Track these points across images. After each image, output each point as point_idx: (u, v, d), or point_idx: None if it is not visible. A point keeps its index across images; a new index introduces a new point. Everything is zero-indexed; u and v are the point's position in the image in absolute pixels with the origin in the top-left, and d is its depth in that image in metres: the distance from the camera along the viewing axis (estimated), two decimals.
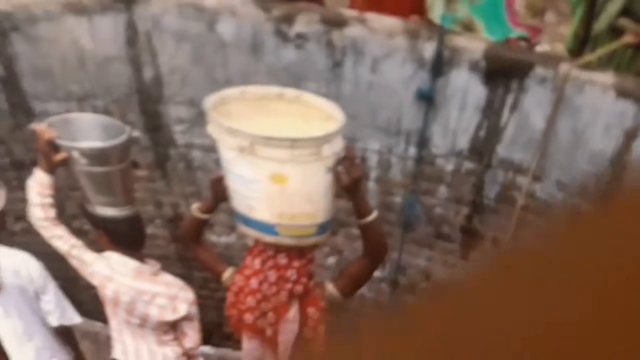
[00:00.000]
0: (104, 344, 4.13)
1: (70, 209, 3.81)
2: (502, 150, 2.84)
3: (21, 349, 2.51)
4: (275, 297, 1.94)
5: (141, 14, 2.83)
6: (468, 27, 2.45)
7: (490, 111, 2.74)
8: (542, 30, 2.48)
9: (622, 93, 2.54)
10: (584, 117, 2.63)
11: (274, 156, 1.66)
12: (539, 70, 2.56)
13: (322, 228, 1.87)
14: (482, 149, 2.87)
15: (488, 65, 2.59)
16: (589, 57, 2.42)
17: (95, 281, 2.32)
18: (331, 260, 3.57)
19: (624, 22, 2.34)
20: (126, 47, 2.94)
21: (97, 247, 3.26)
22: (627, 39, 2.33)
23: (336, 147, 1.72)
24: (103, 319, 3.11)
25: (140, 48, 2.93)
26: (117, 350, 2.50)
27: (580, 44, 2.55)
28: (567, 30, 2.67)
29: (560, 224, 0.27)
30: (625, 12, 2.33)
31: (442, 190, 3.07)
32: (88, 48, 2.99)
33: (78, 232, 3.73)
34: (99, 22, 2.88)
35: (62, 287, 3.65)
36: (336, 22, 2.62)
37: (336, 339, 0.30)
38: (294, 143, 1.64)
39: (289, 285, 1.92)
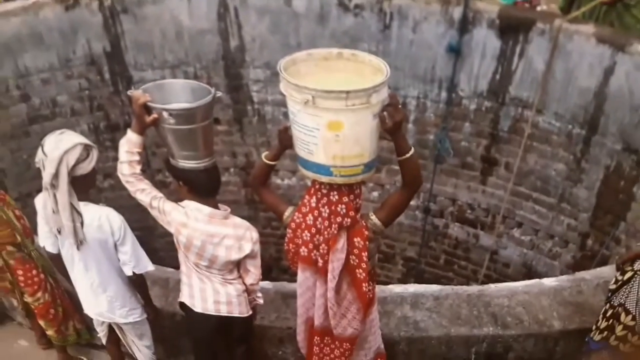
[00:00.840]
0: (172, 289, 4.31)
1: (154, 164, 4.53)
2: (513, 89, 3.71)
3: (95, 299, 2.66)
4: (327, 230, 2.12)
5: None
6: None
7: (504, 59, 3.61)
8: None
9: (600, 40, 3.43)
10: (573, 59, 3.52)
11: (332, 106, 1.84)
12: (539, 25, 3.44)
13: (368, 167, 2.04)
14: (497, 89, 3.73)
15: (501, 22, 3.47)
16: (575, 13, 3.32)
17: (171, 229, 2.44)
18: (375, 194, 4.39)
19: None
20: (217, 21, 3.75)
21: (175, 198, 3.73)
22: None
23: (382, 95, 1.88)
24: (173, 265, 2.99)
25: (229, 21, 3.74)
26: (184, 294, 2.62)
27: (569, 4, 3.45)
28: None
29: None
30: None
31: (467, 126, 3.93)
32: (185, 24, 3.79)
33: (160, 185, 4.43)
34: (196, 2, 3.69)
35: (140, 237, 4.25)
36: None
37: None
38: (348, 94, 1.81)
39: (339, 219, 2.10)
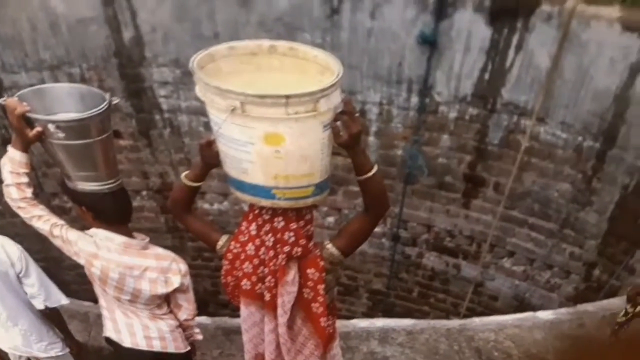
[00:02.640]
0: (94, 323, 3.99)
1: (48, 187, 3.57)
2: (506, 92, 2.78)
3: (7, 333, 2.46)
4: (273, 261, 1.86)
5: None
6: None
7: (495, 52, 2.65)
8: None
9: (627, 26, 2.49)
10: (589, 52, 2.58)
11: (268, 115, 1.54)
12: (545, 7, 2.48)
13: (320, 188, 1.76)
14: (486, 92, 2.79)
15: (493, 4, 2.49)
16: None
17: (80, 260, 2.20)
18: (330, 219, 3.48)
19: None
20: (102, 6, 2.69)
21: (80, 225, 3.06)
22: None
23: (334, 101, 1.58)
24: (91, 298, 2.97)
25: (118, 7, 2.68)
26: (108, 328, 2.38)
27: None
28: None
29: None
30: None
31: (445, 139, 3.00)
32: (60, 11, 2.72)
33: (59, 211, 3.52)
34: None
35: (46, 269, 3.45)
36: None
37: None
38: (288, 100, 1.52)
39: (287, 248, 1.84)
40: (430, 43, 2.65)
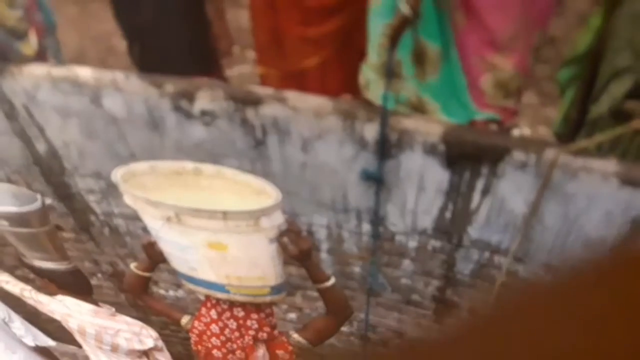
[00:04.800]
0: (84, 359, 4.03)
1: (8, 261, 3.46)
2: (474, 232, 2.28)
3: (9, 358, 2.63)
4: (240, 339, 1.91)
5: (12, 88, 2.22)
6: (418, 108, 1.80)
7: (457, 194, 2.15)
8: (518, 112, 1.81)
9: (628, 181, 1.91)
10: (577, 204, 2.03)
11: (206, 226, 1.57)
12: (518, 155, 1.93)
13: (276, 289, 1.82)
14: (450, 229, 2.31)
15: (448, 149, 1.97)
16: (584, 142, 1.76)
17: (56, 316, 2.36)
18: (292, 315, 3.18)
19: (633, 105, 1.66)
20: (7, 121, 2.37)
21: (47, 293, 2.96)
22: (638, 124, 1.65)
23: (276, 220, 1.64)
24: (76, 344, 2.95)
25: (23, 122, 2.36)
26: None
27: (573, 128, 1.87)
28: (553, 112, 1.97)
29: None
30: (634, 94, 1.64)
31: (407, 264, 2.56)
32: None
33: (24, 280, 3.41)
34: None
35: (26, 319, 3.42)
36: (247, 100, 2.00)
37: None
38: (225, 215, 1.54)
39: (251, 332, 1.90)
40: (375, 180, 2.17)
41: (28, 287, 2.50)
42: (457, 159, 1.98)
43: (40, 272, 2.47)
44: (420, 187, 2.14)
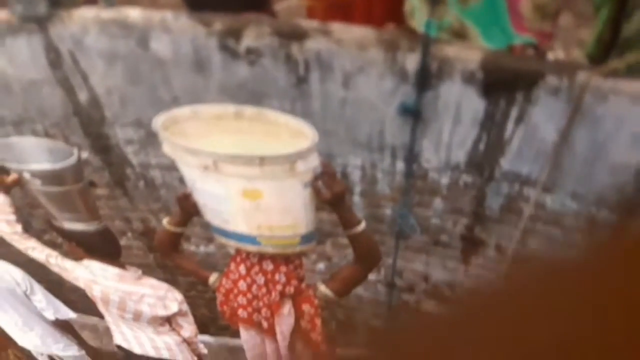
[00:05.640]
0: (104, 333, 4.06)
1: (37, 224, 3.51)
2: (506, 163, 2.40)
3: (26, 336, 2.62)
4: (266, 296, 1.87)
5: (59, 34, 2.29)
6: (460, 35, 1.91)
7: (491, 124, 2.26)
8: (554, 35, 1.93)
9: None
10: (605, 128, 2.16)
11: (244, 173, 1.55)
12: (551, 80, 2.05)
13: (306, 238, 1.77)
14: (482, 162, 2.42)
15: (486, 76, 2.08)
16: (615, 62, 1.89)
17: (80, 284, 2.30)
18: (320, 265, 3.27)
19: None
20: (51, 69, 2.43)
21: (73, 258, 3.01)
22: None
23: (311, 163, 1.60)
24: (98, 314, 2.99)
25: (67, 70, 2.42)
26: (117, 338, 2.50)
27: (605, 50, 1.99)
28: (588, 34, 2.09)
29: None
30: None
31: (438, 202, 2.67)
32: (10, 72, 2.49)
33: (51, 244, 3.49)
34: (12, 45, 2.36)
35: (49, 289, 3.47)
36: (293, 35, 2.09)
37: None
38: (263, 160, 1.51)
39: (279, 287, 1.86)
40: (413, 113, 2.28)
41: (54, 253, 2.43)
42: (494, 86, 2.09)
43: (69, 235, 2.40)
44: (457, 118, 2.25)
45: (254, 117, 1.86)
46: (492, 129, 2.27)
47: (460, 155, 2.41)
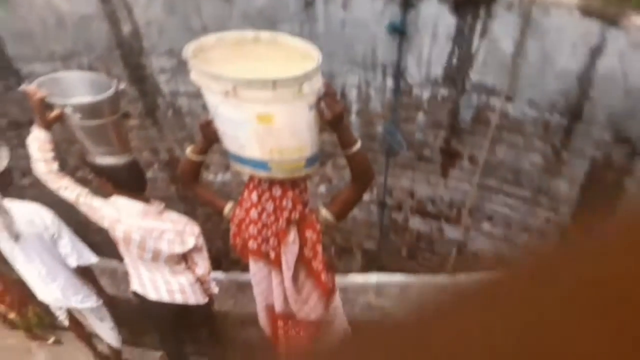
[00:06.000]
0: (122, 279, 4.42)
1: (72, 161, 3.96)
2: (475, 75, 2.95)
3: (47, 288, 2.68)
4: (274, 224, 2.03)
5: None
6: None
7: (461, 39, 2.82)
8: None
9: (586, 12, 2.61)
10: (550, 38, 2.72)
11: (258, 97, 1.71)
12: None
13: (311, 161, 1.94)
14: (455, 75, 2.98)
15: None
16: None
17: (105, 224, 2.41)
18: (322, 188, 3.78)
19: None
20: (101, 4, 2.96)
21: (102, 194, 3.45)
22: None
23: (316, 84, 1.76)
24: (118, 257, 3.32)
25: (115, 4, 2.95)
26: (134, 283, 2.62)
27: None
28: None
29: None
30: None
31: (421, 117, 3.21)
32: (63, 8, 3.01)
33: (82, 181, 3.94)
34: None
35: (75, 232, 3.88)
36: None
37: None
38: (275, 84, 1.69)
39: (285, 214, 2.01)
40: (399, 32, 2.84)
41: (84, 192, 2.43)
42: (462, 3, 2.66)
43: (100, 170, 2.53)
44: (434, 35, 2.81)
45: (270, 41, 2.18)
46: (462, 43, 2.83)
47: (438, 70, 2.96)
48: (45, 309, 3.15)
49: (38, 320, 3.29)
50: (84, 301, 2.74)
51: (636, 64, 2.73)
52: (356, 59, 3.00)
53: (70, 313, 2.87)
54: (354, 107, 3.25)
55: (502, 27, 2.73)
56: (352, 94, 3.18)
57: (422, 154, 3.40)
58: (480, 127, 3.16)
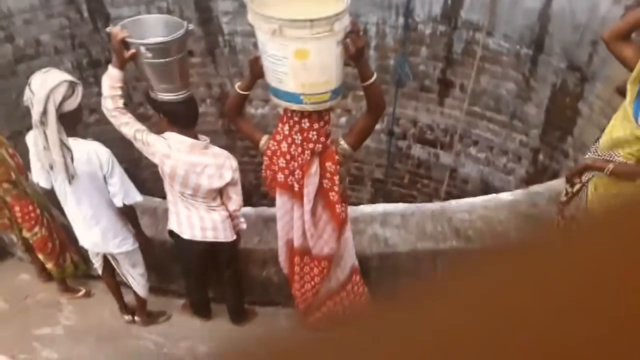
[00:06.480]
0: (161, 218, 4.60)
1: (136, 98, 4.80)
2: (464, 13, 3.99)
3: (89, 231, 2.78)
4: (300, 156, 2.25)
5: None
6: None
7: None
8: None
9: None
10: None
11: (298, 35, 1.93)
12: None
13: (336, 93, 2.14)
14: (450, 14, 4.01)
15: None
16: None
17: (155, 159, 2.54)
18: (343, 119, 4.71)
19: None
20: None
21: (157, 130, 4.01)
22: None
23: (345, 23, 1.97)
24: (160, 195, 3.21)
25: None
26: (172, 222, 2.77)
27: None
28: None
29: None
30: None
31: (424, 51, 4.22)
32: None
33: (142, 118, 4.76)
34: None
35: (127, 169, 4.32)
36: None
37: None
38: (312, 23, 1.90)
39: (311, 145, 2.21)
40: None
41: (142, 128, 2.58)
42: None
43: (160, 106, 2.61)
44: None
45: None
46: None
47: (437, 9, 3.99)
48: (82, 257, 3.36)
49: (74, 269, 3.43)
50: (121, 245, 2.85)
51: (580, 3, 3.79)
52: (375, 1, 4.03)
53: (105, 259, 3.01)
54: (373, 43, 4.24)
55: None
56: (372, 31, 4.18)
57: (423, 85, 4.39)
58: (468, 59, 4.17)
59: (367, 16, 4.13)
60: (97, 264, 3.02)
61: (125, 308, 3.23)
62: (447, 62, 4.24)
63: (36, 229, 3.15)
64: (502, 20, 3.96)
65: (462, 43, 4.13)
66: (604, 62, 3.61)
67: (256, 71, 2.22)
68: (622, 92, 2.29)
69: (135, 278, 3.02)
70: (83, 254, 3.24)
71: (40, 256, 3.27)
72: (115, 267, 3.02)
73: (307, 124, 2.20)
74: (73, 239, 3.01)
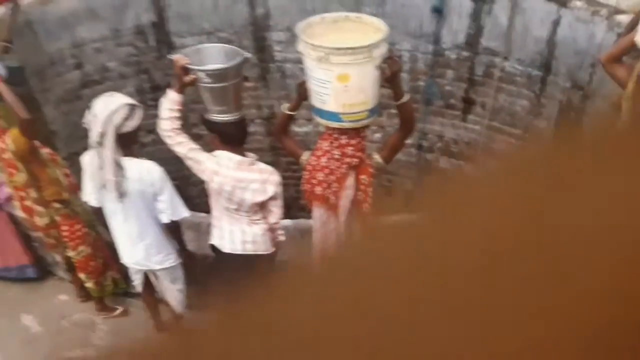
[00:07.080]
0: (204, 232, 4.19)
1: (191, 119, 5.36)
2: (484, 41, 4.71)
3: (133, 248, 2.81)
4: (338, 170, 2.37)
5: None
6: None
7: (476, 17, 4.61)
8: None
9: None
10: (528, 15, 4.52)
11: (341, 61, 2.09)
12: None
13: (372, 112, 2.29)
14: (472, 42, 4.73)
15: None
16: None
17: (204, 176, 2.63)
18: (377, 135, 5.32)
19: None
20: None
21: (208, 149, 3.89)
22: None
23: (382, 50, 2.14)
24: (205, 210, 3.26)
25: None
26: (214, 236, 2.83)
27: None
28: None
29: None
30: None
31: (449, 73, 4.91)
32: None
33: (196, 137, 5.32)
34: None
35: (177, 186, 4.25)
36: None
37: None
38: (354, 50, 2.07)
39: (347, 160, 2.35)
40: (439, 12, 4.62)
41: (195, 147, 2.66)
42: None
43: (213, 126, 2.71)
44: (459, 14, 4.60)
45: (356, 19, 2.51)
46: (476, 19, 4.62)
47: (461, 38, 4.71)
48: (122, 275, 3.40)
49: (113, 287, 3.49)
50: (163, 261, 2.87)
51: (580, 33, 4.52)
52: (409, 30, 4.75)
53: (145, 278, 3.02)
54: (406, 67, 4.92)
55: (500, 9, 4.53)
56: (405, 57, 4.88)
57: (449, 103, 5.05)
58: (488, 80, 4.86)
59: (402, 44, 4.83)
60: (137, 282, 3.07)
61: (161, 326, 3.25)
62: (470, 83, 4.92)
63: (81, 247, 3.22)
64: (516, 47, 4.67)
65: (483, 66, 4.83)
66: (602, 82, 4.26)
67: (302, 94, 2.41)
68: (617, 107, 2.59)
69: (175, 294, 3.07)
70: (124, 271, 3.27)
71: (82, 275, 3.32)
72: (155, 284, 3.08)
73: (345, 140, 2.36)
74: (115, 257, 3.04)
